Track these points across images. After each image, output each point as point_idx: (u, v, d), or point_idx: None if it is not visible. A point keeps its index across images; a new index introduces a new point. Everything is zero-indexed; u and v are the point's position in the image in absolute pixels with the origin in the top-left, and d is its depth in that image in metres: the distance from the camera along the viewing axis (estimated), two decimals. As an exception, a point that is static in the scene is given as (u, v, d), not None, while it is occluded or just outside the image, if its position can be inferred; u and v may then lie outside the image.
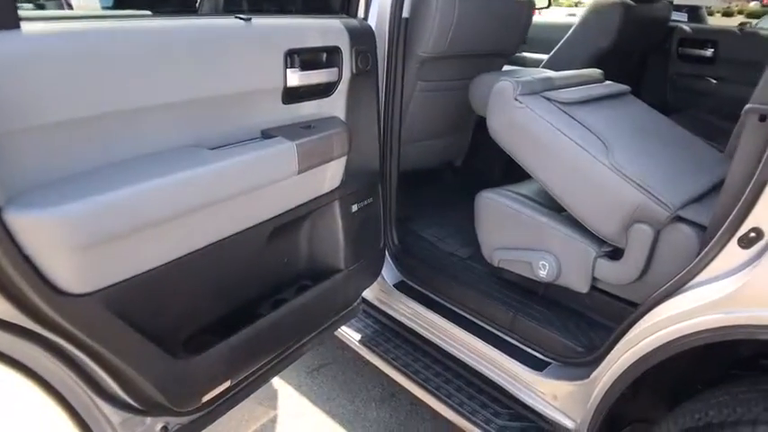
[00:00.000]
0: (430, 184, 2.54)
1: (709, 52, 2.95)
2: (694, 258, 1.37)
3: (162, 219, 1.06)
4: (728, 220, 1.15)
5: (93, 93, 0.96)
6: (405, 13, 1.73)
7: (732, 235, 1.13)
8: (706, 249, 1.19)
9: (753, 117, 1.19)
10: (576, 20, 3.18)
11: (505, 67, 2.40)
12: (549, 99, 1.65)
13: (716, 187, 1.56)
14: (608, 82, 1.95)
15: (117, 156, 1.03)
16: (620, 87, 1.89)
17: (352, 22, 1.52)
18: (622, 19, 2.52)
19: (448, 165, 2.55)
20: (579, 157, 1.53)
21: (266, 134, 1.30)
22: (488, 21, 2.04)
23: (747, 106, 1.19)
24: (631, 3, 2.58)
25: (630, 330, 1.32)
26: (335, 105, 1.49)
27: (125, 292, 1.05)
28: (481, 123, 2.40)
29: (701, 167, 1.62)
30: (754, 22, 7.71)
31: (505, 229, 1.75)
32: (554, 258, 1.63)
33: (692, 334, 1.14)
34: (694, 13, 4.80)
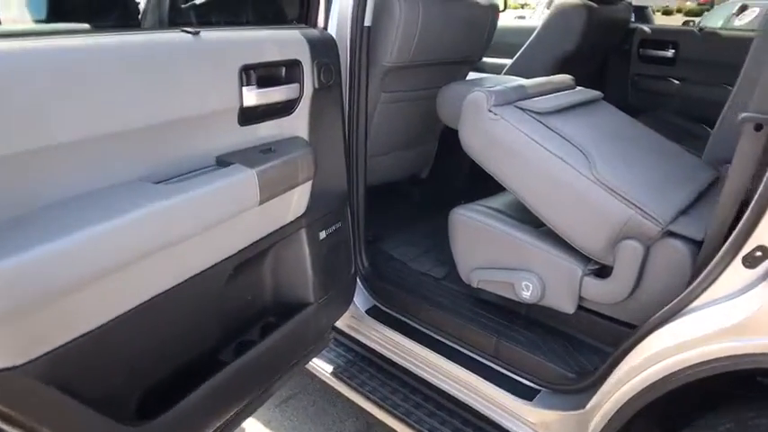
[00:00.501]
0: (397, 199, 2.42)
1: (669, 53, 2.94)
2: (688, 275, 1.30)
3: (101, 271, 0.90)
4: (731, 238, 1.07)
5: (16, 125, 0.81)
6: (367, 22, 1.61)
7: (735, 254, 1.06)
8: (708, 269, 1.11)
9: (748, 126, 1.11)
10: (527, 23, 3.14)
11: (470, 75, 2.31)
12: (523, 109, 1.55)
13: (701, 196, 1.50)
14: (579, 88, 1.88)
15: (46, 199, 0.87)
16: (592, 93, 1.82)
17: (313, 32, 1.39)
18: (586, 22, 2.47)
19: (414, 177, 2.44)
20: (560, 170, 1.43)
21: (222, 161, 1.15)
22: (454, 27, 1.94)
23: (743, 115, 1.11)
24: (594, 5, 2.53)
25: (628, 357, 1.24)
26: (298, 124, 1.35)
27: (63, 358, 0.89)
28: (446, 132, 2.32)
29: (684, 175, 1.56)
30: (697, 20, 7.91)
31: (483, 247, 1.65)
32: (537, 278, 1.54)
33: (701, 363, 1.05)
34: (641, 12, 4.86)
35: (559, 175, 1.43)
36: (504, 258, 1.61)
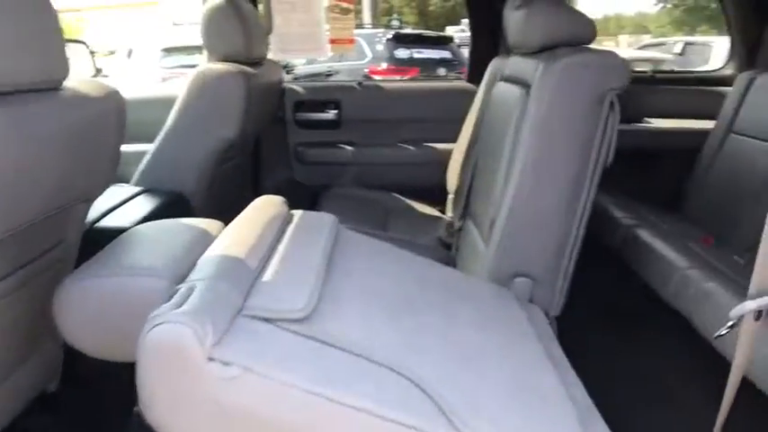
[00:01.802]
0: None
1: (331, 114, 2.44)
2: None
3: None
4: None
5: None
6: None
7: None
8: None
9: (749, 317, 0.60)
10: (155, 93, 2.34)
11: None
12: (269, 321, 0.77)
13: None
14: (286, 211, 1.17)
15: None
16: (324, 220, 1.13)
17: None
18: (247, 95, 1.73)
19: (38, 400, 1.35)
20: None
21: None
22: (56, 155, 0.97)
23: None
24: (251, 70, 1.80)
25: None
26: None
27: None
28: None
29: (531, 364, 1.00)
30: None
31: None
32: None
33: None
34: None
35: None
36: None
